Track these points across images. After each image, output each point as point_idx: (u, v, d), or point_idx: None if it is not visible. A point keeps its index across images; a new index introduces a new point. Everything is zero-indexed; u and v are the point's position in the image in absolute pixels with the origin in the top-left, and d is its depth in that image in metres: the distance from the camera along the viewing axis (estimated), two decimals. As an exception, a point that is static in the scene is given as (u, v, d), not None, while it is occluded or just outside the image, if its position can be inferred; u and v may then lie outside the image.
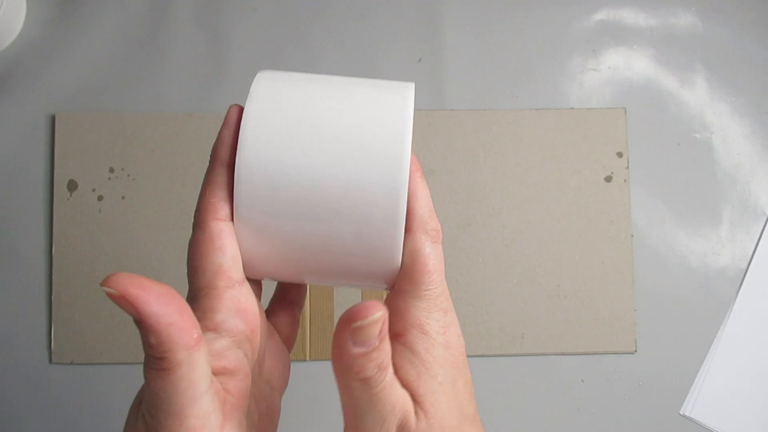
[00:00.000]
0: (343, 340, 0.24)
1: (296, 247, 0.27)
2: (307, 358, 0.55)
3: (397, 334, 0.27)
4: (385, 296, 0.31)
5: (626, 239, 0.56)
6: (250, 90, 0.28)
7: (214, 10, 0.58)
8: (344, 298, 0.55)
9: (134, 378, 0.54)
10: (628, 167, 0.57)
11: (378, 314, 0.23)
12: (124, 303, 0.21)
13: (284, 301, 0.34)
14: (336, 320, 0.55)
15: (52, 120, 0.56)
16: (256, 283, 0.29)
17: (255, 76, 0.29)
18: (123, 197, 0.56)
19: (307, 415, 0.55)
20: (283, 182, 0.26)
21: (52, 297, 0.54)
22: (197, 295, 0.26)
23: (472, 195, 0.56)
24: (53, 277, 0.55)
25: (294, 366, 0.55)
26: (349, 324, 0.23)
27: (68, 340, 0.54)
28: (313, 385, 0.55)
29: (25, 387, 0.54)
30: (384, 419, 0.25)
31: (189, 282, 0.27)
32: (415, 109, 0.57)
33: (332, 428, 0.54)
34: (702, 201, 0.57)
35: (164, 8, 0.58)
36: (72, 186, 0.56)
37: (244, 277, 0.27)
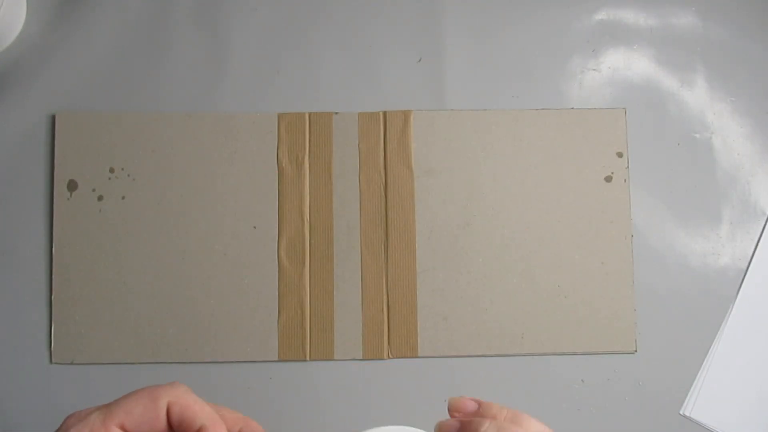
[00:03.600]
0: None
1: None
2: (307, 358, 0.55)
3: None
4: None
5: (626, 239, 0.56)
6: None
7: (214, 10, 0.58)
8: (344, 298, 0.55)
9: (134, 378, 0.54)
10: (628, 167, 0.57)
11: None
12: None
13: None
14: (336, 319, 0.55)
15: (52, 120, 0.56)
16: None
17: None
18: (123, 197, 0.56)
19: (307, 415, 0.55)
20: None
21: (52, 297, 0.54)
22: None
23: (472, 195, 0.56)
24: (53, 277, 0.55)
25: (294, 366, 0.55)
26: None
27: (68, 340, 0.54)
28: (312, 385, 0.55)
29: (25, 387, 0.54)
30: None
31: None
32: (416, 109, 0.57)
33: (332, 428, 0.54)
34: (702, 201, 0.57)
35: (164, 8, 0.58)
36: (72, 186, 0.56)
37: None
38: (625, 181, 0.57)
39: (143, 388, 0.31)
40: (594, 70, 0.59)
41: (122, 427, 0.29)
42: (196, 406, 0.30)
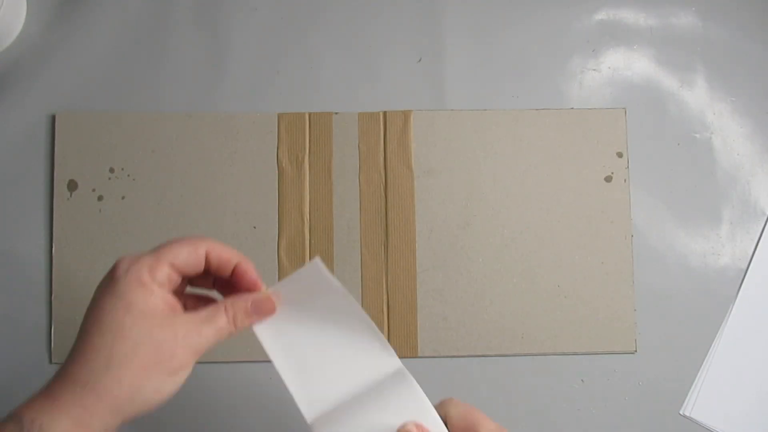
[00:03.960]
0: None
1: None
2: (307, 358, 0.55)
3: None
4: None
5: (626, 239, 0.56)
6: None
7: (214, 10, 0.58)
8: (344, 298, 0.55)
9: (134, 378, 0.54)
10: (628, 167, 0.57)
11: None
12: None
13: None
14: (336, 320, 0.55)
15: (53, 120, 0.56)
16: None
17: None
18: (123, 197, 0.56)
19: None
20: None
21: (52, 297, 0.54)
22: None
23: (472, 195, 0.56)
24: (53, 277, 0.55)
25: (294, 366, 0.55)
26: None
27: (68, 340, 0.54)
28: (313, 385, 0.55)
29: (25, 387, 0.54)
30: None
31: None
32: (416, 109, 0.57)
33: (332, 428, 0.54)
34: (702, 201, 0.57)
35: (164, 8, 0.58)
36: (72, 186, 0.56)
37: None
38: (625, 181, 0.57)
39: (181, 238, 0.37)
40: (594, 70, 0.59)
41: (171, 266, 0.36)
42: (228, 250, 0.38)
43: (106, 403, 0.33)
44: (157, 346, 0.34)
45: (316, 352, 0.39)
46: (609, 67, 0.59)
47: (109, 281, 0.36)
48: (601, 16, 0.59)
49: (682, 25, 0.59)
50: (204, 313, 0.37)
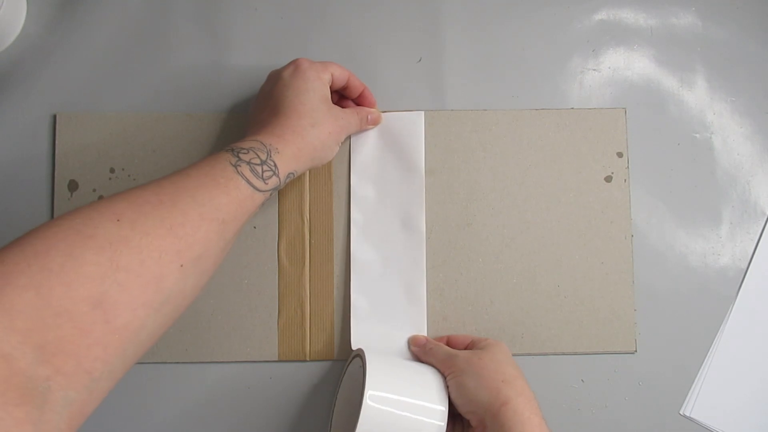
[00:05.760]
0: (418, 350, 0.53)
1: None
2: (307, 358, 0.55)
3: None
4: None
5: (626, 239, 0.56)
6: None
7: (214, 10, 0.58)
8: (344, 298, 0.55)
9: (134, 378, 0.54)
10: (628, 167, 0.57)
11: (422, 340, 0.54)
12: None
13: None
14: (336, 319, 0.55)
15: (53, 120, 0.56)
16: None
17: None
18: (123, 197, 0.56)
19: (307, 415, 0.55)
20: None
21: (53, 297, 0.54)
22: None
23: (472, 195, 0.56)
24: (53, 277, 0.55)
25: (294, 366, 0.55)
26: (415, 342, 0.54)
27: (68, 340, 0.54)
28: (312, 385, 0.55)
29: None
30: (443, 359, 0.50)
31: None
32: (416, 110, 0.57)
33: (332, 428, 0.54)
34: (702, 201, 0.57)
35: (164, 8, 0.58)
36: (73, 186, 0.56)
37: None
38: (625, 181, 0.57)
39: (333, 62, 0.52)
40: (594, 70, 0.59)
41: (331, 74, 0.51)
42: (360, 82, 0.54)
43: (309, 149, 0.47)
44: (335, 119, 0.50)
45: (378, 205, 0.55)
46: (609, 67, 0.59)
47: (296, 70, 0.50)
48: (601, 16, 0.59)
49: (682, 25, 0.59)
50: (348, 110, 0.53)
